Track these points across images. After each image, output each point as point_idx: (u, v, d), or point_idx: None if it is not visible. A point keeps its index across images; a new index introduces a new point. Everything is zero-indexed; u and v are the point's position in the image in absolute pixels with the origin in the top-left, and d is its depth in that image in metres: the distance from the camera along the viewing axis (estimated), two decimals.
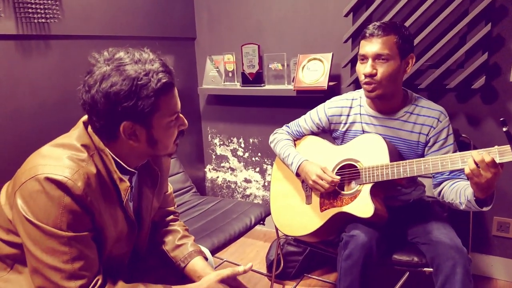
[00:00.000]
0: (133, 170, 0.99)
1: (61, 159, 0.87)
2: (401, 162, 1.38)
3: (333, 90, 2.15)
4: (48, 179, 0.83)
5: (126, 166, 0.96)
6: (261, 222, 1.91)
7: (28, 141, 1.59)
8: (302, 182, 1.63)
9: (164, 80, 0.88)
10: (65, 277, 0.84)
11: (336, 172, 1.53)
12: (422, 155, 1.50)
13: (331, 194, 1.52)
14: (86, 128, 0.94)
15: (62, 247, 0.84)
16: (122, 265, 1.04)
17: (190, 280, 1.11)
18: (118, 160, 0.95)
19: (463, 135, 1.85)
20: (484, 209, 1.28)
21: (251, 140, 2.55)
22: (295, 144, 1.73)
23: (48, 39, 1.66)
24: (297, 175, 1.62)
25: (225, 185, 2.74)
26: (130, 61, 0.87)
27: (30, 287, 0.93)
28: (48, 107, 1.68)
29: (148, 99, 0.86)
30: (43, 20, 1.61)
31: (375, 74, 1.41)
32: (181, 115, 0.97)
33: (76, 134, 0.93)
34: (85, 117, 0.96)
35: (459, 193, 1.36)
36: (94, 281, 0.87)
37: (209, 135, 2.68)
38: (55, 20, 1.65)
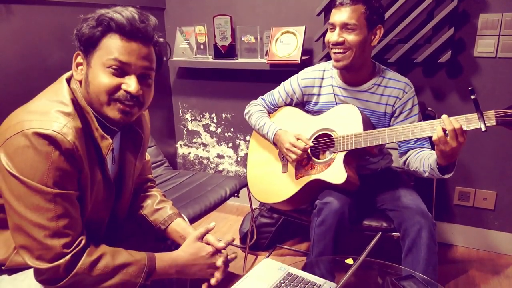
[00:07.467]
0: (114, 129, 0.97)
1: (48, 113, 0.84)
2: (373, 130, 1.42)
3: (306, 64, 2.15)
4: (37, 133, 0.80)
5: (107, 124, 0.94)
6: (236, 194, 1.92)
7: None
8: (279, 151, 1.65)
9: (114, 19, 0.87)
10: (49, 234, 0.82)
11: (312, 142, 1.56)
12: (389, 126, 1.55)
13: (306, 162, 1.55)
14: (68, 84, 0.92)
15: (47, 204, 0.82)
16: (99, 232, 1.03)
17: (168, 244, 1.13)
18: (100, 118, 0.93)
19: (429, 108, 1.93)
20: (446, 176, 1.35)
21: (223, 115, 2.53)
22: (272, 115, 1.74)
23: (9, 3, 1.55)
24: (274, 144, 1.63)
25: (197, 161, 2.72)
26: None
27: (6, 250, 0.91)
28: (10, 75, 1.59)
29: (92, 28, 0.88)
30: None
31: (342, 43, 1.44)
32: (133, 77, 0.89)
33: (60, 90, 0.90)
34: (68, 74, 0.94)
35: (423, 161, 1.42)
36: (78, 241, 0.86)
37: (180, 110, 2.64)
38: None
